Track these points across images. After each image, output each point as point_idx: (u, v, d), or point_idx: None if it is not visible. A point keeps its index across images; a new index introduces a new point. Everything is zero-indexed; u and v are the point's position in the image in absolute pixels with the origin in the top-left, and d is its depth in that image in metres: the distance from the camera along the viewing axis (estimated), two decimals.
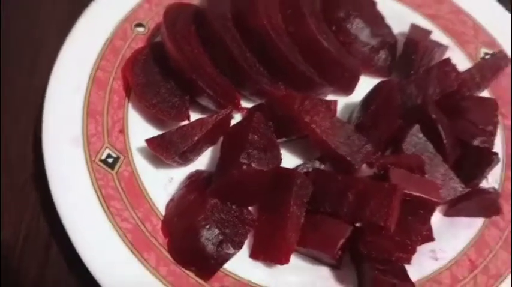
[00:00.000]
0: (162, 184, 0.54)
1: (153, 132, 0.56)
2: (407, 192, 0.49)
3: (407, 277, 0.48)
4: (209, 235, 0.48)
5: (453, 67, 0.62)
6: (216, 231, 0.49)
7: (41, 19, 0.67)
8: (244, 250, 0.51)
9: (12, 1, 0.67)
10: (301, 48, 0.60)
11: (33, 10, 0.68)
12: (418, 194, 0.49)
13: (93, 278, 0.46)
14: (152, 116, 0.57)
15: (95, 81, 0.57)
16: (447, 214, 0.56)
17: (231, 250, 0.49)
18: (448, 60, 0.62)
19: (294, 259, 0.51)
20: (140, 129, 0.56)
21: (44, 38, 0.65)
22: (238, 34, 0.58)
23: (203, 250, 0.48)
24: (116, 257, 0.48)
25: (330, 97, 0.62)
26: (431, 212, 0.50)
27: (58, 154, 0.51)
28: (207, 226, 0.49)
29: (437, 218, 0.55)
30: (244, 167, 0.49)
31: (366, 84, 0.61)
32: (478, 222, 0.55)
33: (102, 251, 0.48)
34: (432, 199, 0.49)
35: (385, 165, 0.53)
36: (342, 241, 0.49)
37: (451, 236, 0.54)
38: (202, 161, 0.57)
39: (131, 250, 0.48)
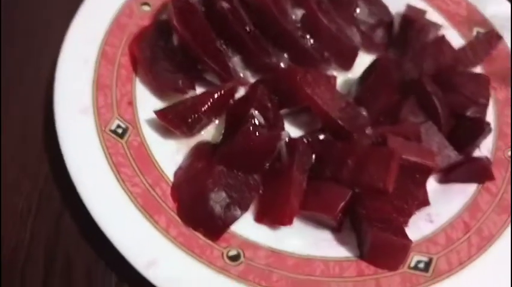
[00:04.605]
0: (170, 154, 0.56)
1: (161, 105, 0.58)
2: (405, 157, 0.52)
3: (405, 234, 0.50)
4: (217, 198, 0.51)
5: (448, 44, 0.65)
6: (224, 194, 0.51)
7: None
8: (251, 215, 0.53)
9: None
10: (303, 25, 0.63)
11: None
12: (414, 159, 0.52)
13: (104, 243, 0.48)
14: (159, 89, 0.59)
15: (104, 56, 0.59)
16: (442, 181, 0.59)
17: (238, 212, 0.51)
18: (443, 37, 0.65)
19: (297, 223, 0.53)
20: (148, 102, 0.58)
21: (53, 18, 0.67)
22: (243, 10, 0.61)
23: (211, 211, 0.50)
24: (128, 220, 0.49)
25: (330, 73, 0.65)
26: (427, 176, 0.53)
27: (70, 123, 0.53)
28: (215, 189, 0.51)
29: (432, 186, 0.58)
30: (249, 135, 0.52)
31: (364, 61, 0.64)
32: (471, 189, 0.58)
33: (114, 214, 0.49)
34: (428, 163, 0.52)
35: (383, 134, 0.56)
36: (342, 204, 0.51)
37: (445, 201, 0.57)
38: (208, 134, 0.59)
39: (142, 213, 0.50)
